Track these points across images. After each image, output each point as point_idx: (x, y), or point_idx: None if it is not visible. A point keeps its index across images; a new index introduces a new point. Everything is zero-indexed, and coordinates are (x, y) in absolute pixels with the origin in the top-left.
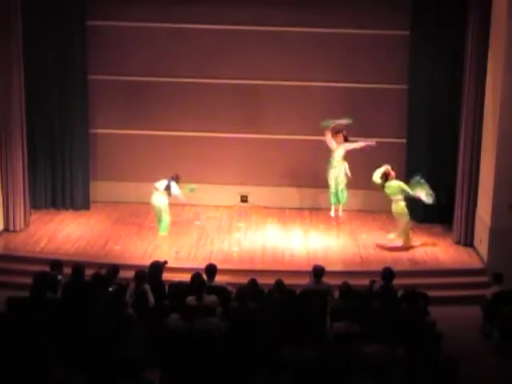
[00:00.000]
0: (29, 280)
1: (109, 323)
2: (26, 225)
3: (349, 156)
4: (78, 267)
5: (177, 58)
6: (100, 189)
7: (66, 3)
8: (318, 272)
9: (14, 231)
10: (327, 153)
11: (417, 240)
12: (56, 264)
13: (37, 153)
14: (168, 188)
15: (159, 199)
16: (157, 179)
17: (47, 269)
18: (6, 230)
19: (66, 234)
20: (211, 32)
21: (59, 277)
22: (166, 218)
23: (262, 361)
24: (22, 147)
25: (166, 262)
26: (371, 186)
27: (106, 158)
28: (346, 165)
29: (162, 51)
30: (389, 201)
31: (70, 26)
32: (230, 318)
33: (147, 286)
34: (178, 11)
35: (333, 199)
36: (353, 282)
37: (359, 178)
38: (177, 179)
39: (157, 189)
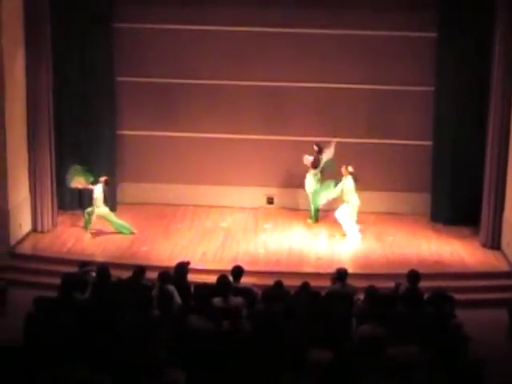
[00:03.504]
0: (56, 280)
1: (135, 324)
2: (54, 226)
3: (373, 158)
4: (103, 268)
5: (203, 59)
6: (127, 190)
7: (93, 6)
8: (342, 274)
9: (42, 232)
10: (353, 154)
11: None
12: (84, 264)
13: (64, 154)
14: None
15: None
16: (184, 181)
17: (74, 269)
18: (34, 230)
19: (92, 234)
20: (238, 34)
21: (88, 277)
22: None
23: (287, 363)
24: (50, 149)
25: (188, 263)
26: (395, 188)
27: (133, 159)
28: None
29: (189, 53)
30: (415, 203)
31: (98, 29)
32: (255, 319)
33: (172, 287)
34: (203, 13)
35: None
36: (378, 284)
37: (384, 181)
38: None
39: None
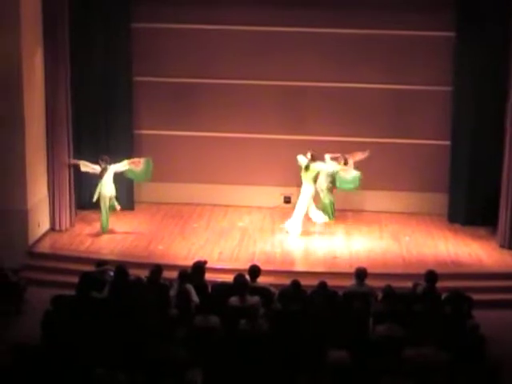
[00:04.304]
0: (74, 279)
1: (153, 323)
2: (72, 225)
3: (390, 158)
4: (122, 267)
5: (220, 59)
6: (144, 189)
7: (111, 6)
8: (361, 274)
9: (60, 231)
10: (372, 153)
11: None
12: (102, 263)
13: (82, 153)
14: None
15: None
16: (201, 180)
17: (92, 268)
18: (52, 229)
19: (110, 233)
20: (256, 34)
21: (106, 276)
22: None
23: (304, 363)
24: (68, 148)
25: (205, 262)
26: (413, 188)
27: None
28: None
29: (206, 53)
30: (433, 203)
31: (116, 28)
32: (272, 319)
33: (190, 286)
34: (221, 13)
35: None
36: (395, 284)
37: (402, 180)
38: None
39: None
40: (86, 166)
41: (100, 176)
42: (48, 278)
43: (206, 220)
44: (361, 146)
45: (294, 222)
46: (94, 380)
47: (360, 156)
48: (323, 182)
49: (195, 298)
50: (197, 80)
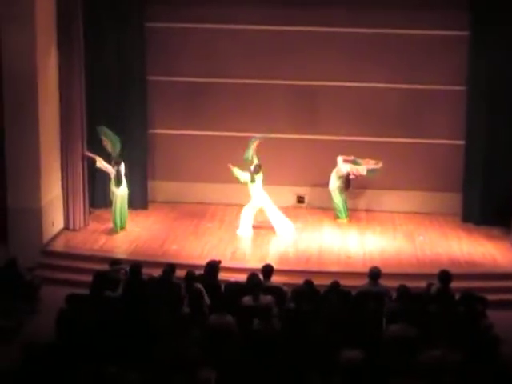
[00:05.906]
0: (88, 278)
1: (166, 322)
2: (85, 224)
3: (404, 158)
4: (136, 266)
5: (235, 59)
6: (158, 189)
7: (125, 5)
8: (374, 274)
9: (74, 230)
10: (384, 154)
11: None
12: (115, 262)
13: (96, 152)
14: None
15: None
16: (215, 180)
17: (106, 267)
18: (66, 228)
19: (123, 233)
20: (268, 33)
21: (119, 275)
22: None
23: (317, 362)
24: (82, 147)
25: (219, 262)
26: (427, 187)
27: (164, 158)
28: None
29: (221, 52)
30: (447, 203)
31: (130, 28)
32: (285, 318)
33: (200, 286)
34: (235, 12)
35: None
36: (409, 284)
37: (416, 180)
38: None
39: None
40: (101, 163)
41: (117, 177)
42: (62, 277)
43: (219, 219)
44: (374, 146)
45: (282, 225)
46: (106, 379)
47: (372, 165)
48: (334, 183)
49: (206, 298)
50: (211, 79)
